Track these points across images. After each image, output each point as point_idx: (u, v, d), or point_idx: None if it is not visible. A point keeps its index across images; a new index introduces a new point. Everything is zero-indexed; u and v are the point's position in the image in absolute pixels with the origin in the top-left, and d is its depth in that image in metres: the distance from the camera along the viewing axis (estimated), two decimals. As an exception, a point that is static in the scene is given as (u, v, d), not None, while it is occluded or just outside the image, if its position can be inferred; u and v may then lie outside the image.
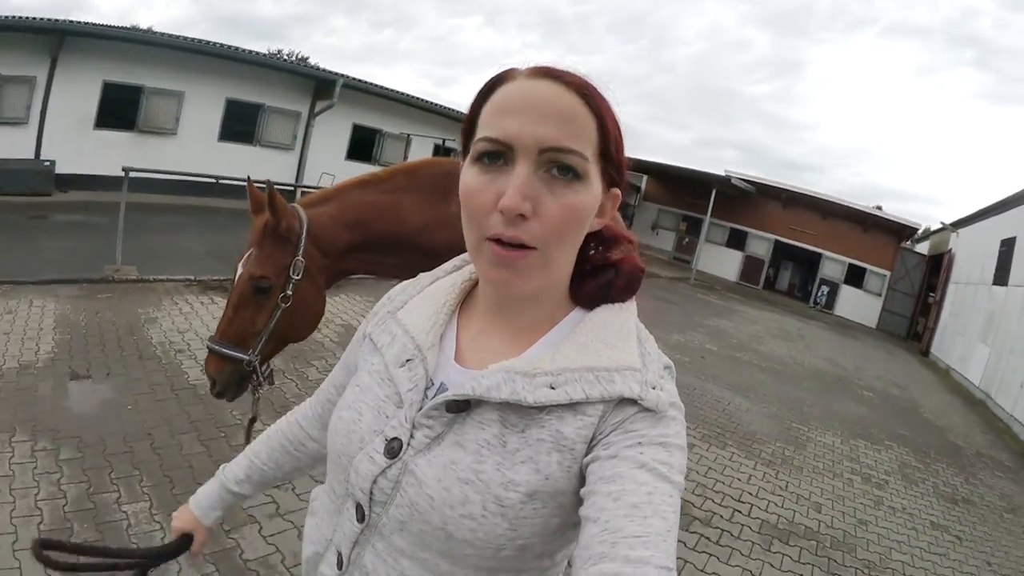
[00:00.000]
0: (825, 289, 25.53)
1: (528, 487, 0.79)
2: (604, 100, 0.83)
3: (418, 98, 20.67)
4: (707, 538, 4.30)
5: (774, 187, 25.64)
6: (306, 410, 1.29)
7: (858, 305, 24.78)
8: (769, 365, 10.96)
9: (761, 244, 27.13)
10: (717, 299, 19.36)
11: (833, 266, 25.53)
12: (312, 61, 64.36)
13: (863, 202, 26.84)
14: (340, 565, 0.93)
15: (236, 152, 16.45)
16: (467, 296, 1.03)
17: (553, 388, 0.80)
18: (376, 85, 19.34)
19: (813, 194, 25.37)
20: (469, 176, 0.82)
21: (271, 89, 17.15)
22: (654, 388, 0.80)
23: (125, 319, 6.35)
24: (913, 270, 24.31)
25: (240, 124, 16.78)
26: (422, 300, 1.02)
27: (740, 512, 4.85)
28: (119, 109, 15.29)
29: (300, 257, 2.57)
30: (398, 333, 0.98)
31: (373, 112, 19.97)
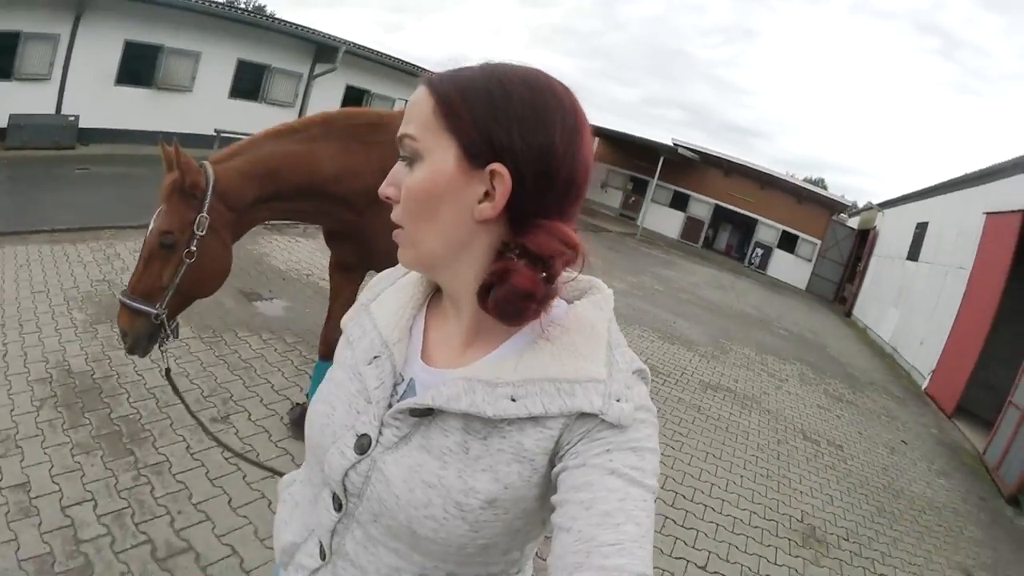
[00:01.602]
0: (759, 251, 27.39)
1: (488, 495, 0.79)
2: (461, 80, 0.80)
3: (407, 63, 22.08)
4: (666, 387, 6.51)
5: (716, 157, 27.47)
6: None
7: (790, 268, 26.67)
8: (705, 305, 13.18)
9: (702, 207, 28.98)
10: (661, 253, 21.37)
11: (768, 231, 27.43)
12: (246, 2, 64.24)
13: (808, 172, 28.59)
14: (323, 555, 0.94)
15: (243, 108, 17.61)
16: (437, 290, 1.01)
17: (514, 400, 0.79)
18: (374, 51, 20.74)
19: (752, 165, 27.32)
20: None
21: (277, 51, 18.33)
22: (618, 400, 0.78)
23: (247, 255, 7.44)
24: (843, 241, 25.97)
25: (248, 83, 17.90)
26: (393, 292, 1.03)
27: (685, 374, 7.21)
28: (139, 67, 16.02)
29: (205, 213, 2.66)
30: (368, 327, 0.99)
31: (365, 74, 21.40)
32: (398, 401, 0.88)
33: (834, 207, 26.78)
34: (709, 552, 3.82)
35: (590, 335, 0.85)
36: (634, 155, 29.65)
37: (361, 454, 0.87)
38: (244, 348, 5.00)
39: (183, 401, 2.59)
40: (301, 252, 8.23)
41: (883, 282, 18.34)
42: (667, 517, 4.06)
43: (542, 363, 0.81)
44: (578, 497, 0.71)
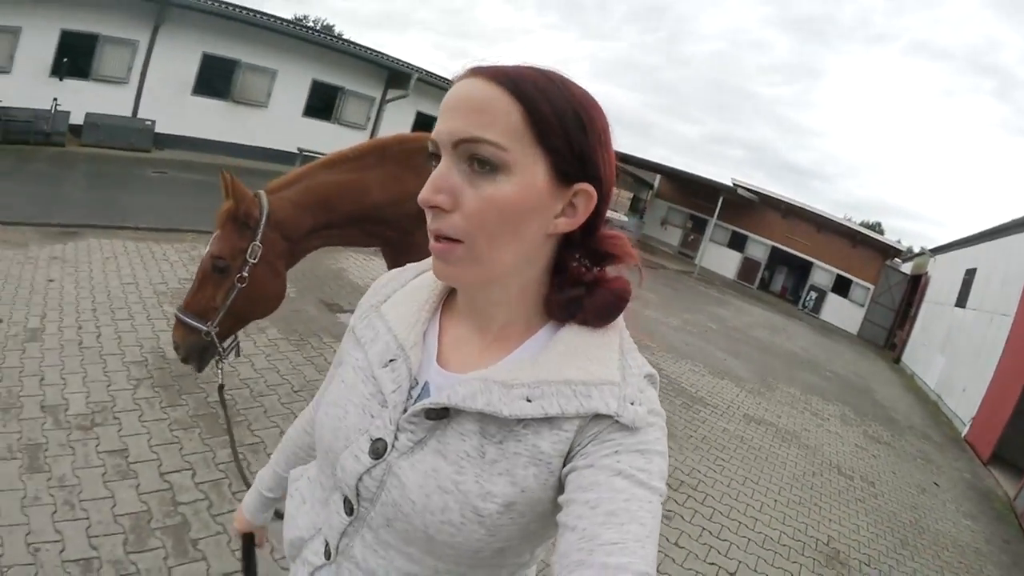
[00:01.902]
0: (813, 295, 27.45)
1: (505, 499, 0.80)
2: (541, 87, 0.79)
3: None
4: (712, 417, 7.09)
5: (775, 198, 27.73)
6: (309, 415, 1.32)
7: (842, 312, 26.64)
8: (755, 344, 13.63)
9: (759, 248, 29.16)
10: (716, 292, 21.75)
11: (823, 274, 27.50)
12: (315, 21, 65.68)
13: (866, 216, 28.23)
14: (328, 555, 0.96)
15: (316, 127, 18.54)
16: (451, 294, 1.02)
17: (530, 401, 0.80)
18: (446, 80, 21.08)
19: (810, 208, 27.45)
20: None
21: (350, 74, 19.22)
22: (632, 403, 0.80)
23: (326, 270, 8.15)
24: (895, 286, 25.90)
25: (321, 103, 18.85)
26: (405, 295, 1.03)
27: (731, 407, 7.80)
28: (216, 79, 16.97)
29: (258, 242, 2.74)
30: (381, 330, 0.98)
31: (436, 102, 21.66)
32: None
33: (888, 252, 26.74)
34: (739, 562, 4.31)
35: (602, 341, 0.87)
36: (694, 194, 30.07)
37: (376, 459, 0.87)
38: (328, 352, 5.57)
39: (227, 419, 2.63)
40: (376, 269, 8.88)
41: (932, 329, 18.33)
42: (704, 528, 4.60)
43: (557, 366, 0.83)
44: (584, 497, 0.72)
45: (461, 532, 0.80)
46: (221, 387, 2.72)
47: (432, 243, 0.81)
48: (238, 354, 2.99)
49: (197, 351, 2.80)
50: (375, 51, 19.48)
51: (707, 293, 20.69)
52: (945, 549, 5.80)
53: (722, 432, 6.80)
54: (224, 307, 2.79)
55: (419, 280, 1.05)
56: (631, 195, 26.69)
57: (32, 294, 5.37)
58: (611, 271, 0.92)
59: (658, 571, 3.85)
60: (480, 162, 0.77)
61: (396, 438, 0.86)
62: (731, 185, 27.07)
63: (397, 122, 20.03)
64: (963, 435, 11.22)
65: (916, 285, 24.08)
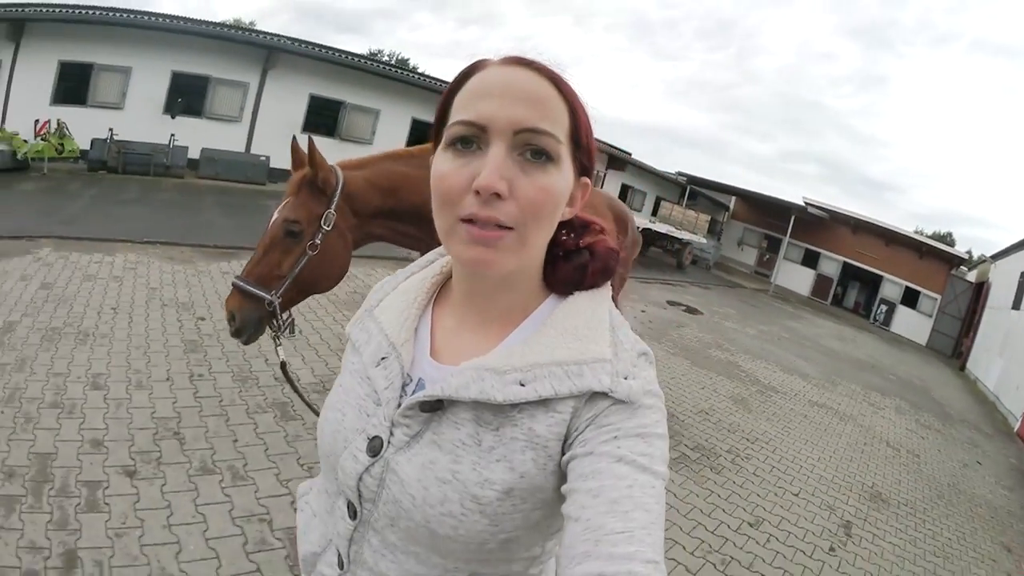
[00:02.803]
0: (883, 307, 28.12)
1: (504, 485, 0.80)
2: (574, 91, 0.85)
3: None
4: (782, 400, 8.59)
5: (844, 215, 28.60)
6: None
7: (911, 324, 27.09)
8: (823, 351, 14.99)
9: (831, 264, 30.06)
10: (791, 308, 22.95)
11: (892, 288, 28.18)
12: (390, 55, 67.87)
13: (938, 226, 28.44)
14: (341, 565, 0.96)
15: None
16: (441, 290, 1.05)
17: (523, 385, 0.81)
18: None
19: (877, 222, 28.22)
20: (442, 161, 0.82)
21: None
22: (626, 378, 0.81)
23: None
24: (961, 295, 26.16)
25: (422, 138, 20.31)
26: (396, 296, 1.05)
27: (798, 395, 9.33)
28: (323, 118, 18.99)
29: (332, 210, 2.73)
30: (374, 331, 1.01)
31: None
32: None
33: (953, 261, 27.26)
34: (801, 488, 5.81)
35: (591, 319, 0.88)
36: (768, 214, 31.20)
37: (373, 456, 0.88)
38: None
39: (299, 393, 2.75)
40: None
41: (992, 334, 18.93)
42: (775, 467, 6.13)
43: (548, 348, 0.84)
44: (586, 486, 0.72)
45: (463, 523, 0.81)
46: (284, 364, 2.77)
47: (476, 230, 0.78)
48: (293, 332, 2.91)
49: (253, 322, 2.73)
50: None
51: (781, 309, 21.88)
52: (979, 507, 6.92)
53: (789, 411, 8.33)
54: (291, 275, 2.75)
55: (409, 281, 1.07)
56: (708, 218, 27.52)
57: (222, 299, 6.68)
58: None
59: (753, 496, 5.43)
60: (536, 152, 0.79)
61: (392, 434, 0.87)
62: (802, 204, 28.11)
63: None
64: (1016, 429, 12.14)
65: (980, 292, 24.63)
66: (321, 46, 19.23)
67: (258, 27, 19.13)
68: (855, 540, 5.03)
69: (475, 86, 0.83)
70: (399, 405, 0.89)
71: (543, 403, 0.82)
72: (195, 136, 17.14)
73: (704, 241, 26.43)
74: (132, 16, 16.31)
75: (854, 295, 31.64)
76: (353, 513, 0.92)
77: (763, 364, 10.93)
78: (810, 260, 30.82)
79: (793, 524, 5.00)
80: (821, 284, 30.50)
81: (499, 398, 0.81)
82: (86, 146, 16.08)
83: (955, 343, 25.48)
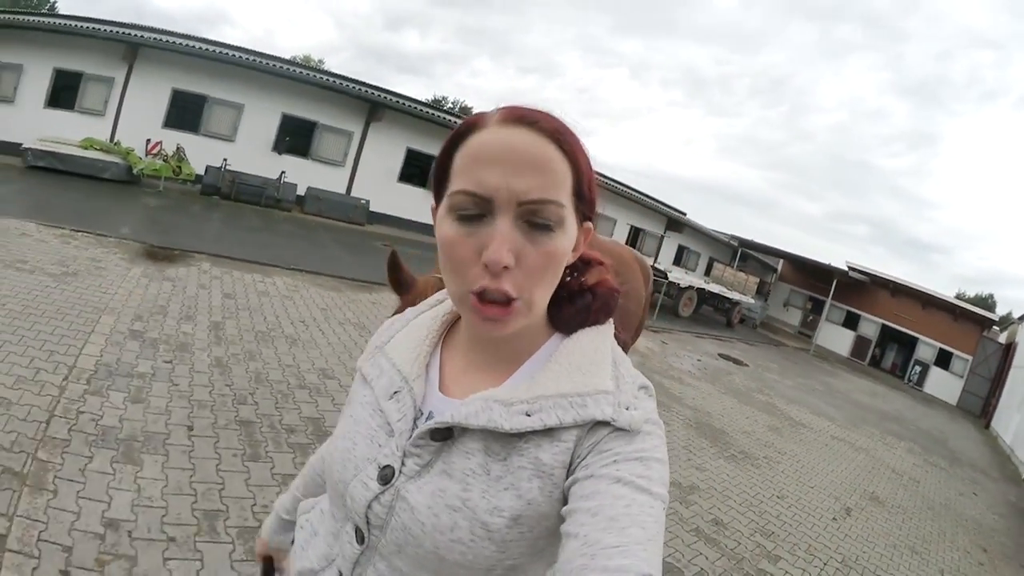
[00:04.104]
0: (918, 368, 29.22)
1: (512, 512, 0.83)
2: (576, 141, 0.86)
3: (635, 190, 27.58)
4: (807, 432, 10.64)
5: (884, 278, 30.10)
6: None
7: (944, 384, 27.97)
8: (852, 403, 16.93)
9: (870, 326, 31.49)
10: (828, 366, 24.64)
11: (927, 349, 29.25)
12: (454, 103, 69.59)
13: (981, 288, 28.95)
14: None
15: None
16: (450, 329, 1.09)
17: (529, 415, 0.84)
18: (608, 179, 25.49)
19: (915, 286, 29.50)
20: (448, 227, 0.83)
21: None
22: (627, 409, 0.84)
23: None
24: (991, 356, 27.08)
25: None
26: (406, 334, 1.08)
27: (821, 432, 11.35)
28: (417, 170, 21.27)
29: None
30: (386, 367, 1.04)
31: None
32: None
33: (984, 323, 28.27)
34: (816, 484, 7.86)
35: (594, 355, 0.92)
36: (812, 277, 32.86)
37: (384, 484, 0.90)
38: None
39: None
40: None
41: (1016, 391, 20.18)
42: (798, 470, 8.21)
43: (553, 382, 0.87)
44: (585, 506, 0.75)
45: (472, 550, 0.83)
46: None
47: (487, 310, 0.82)
48: None
49: None
50: None
51: (819, 366, 23.56)
52: (966, 521, 8.50)
53: (813, 439, 10.45)
54: None
55: (419, 319, 1.11)
56: (757, 279, 28.72)
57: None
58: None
59: (780, 483, 7.85)
60: (541, 219, 0.80)
61: (403, 463, 0.90)
62: (843, 268, 29.79)
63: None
64: (1023, 476, 13.67)
65: (1008, 353, 25.75)
66: (421, 103, 21.60)
67: (359, 78, 21.44)
68: (852, 519, 7.12)
69: (475, 149, 0.83)
70: (411, 436, 0.92)
71: (548, 433, 0.85)
72: (300, 174, 19.35)
73: (752, 301, 27.72)
74: (243, 57, 18.52)
75: (892, 356, 32.56)
76: (360, 538, 0.95)
77: (796, 407, 12.95)
78: (851, 322, 32.15)
79: (807, 502, 7.15)
80: (860, 345, 31.74)
81: (506, 427, 0.84)
82: (199, 170, 18.00)
83: (984, 403, 26.24)
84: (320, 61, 70.95)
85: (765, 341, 25.41)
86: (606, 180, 24.95)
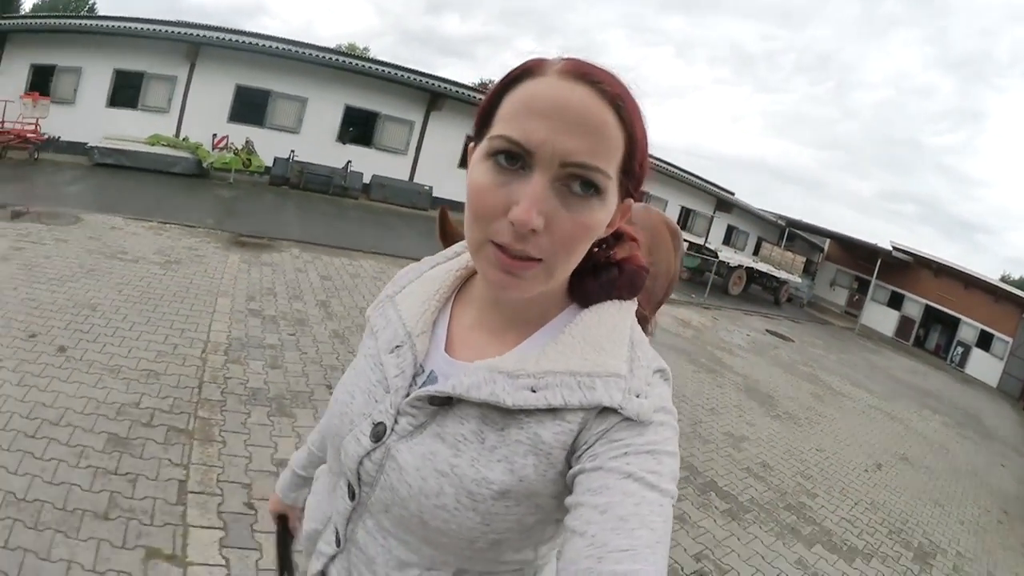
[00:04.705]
0: (960, 349, 29.28)
1: (501, 486, 0.81)
2: (637, 111, 0.79)
3: (694, 175, 28.64)
4: (847, 402, 11.62)
5: (927, 258, 30.30)
6: None
7: (984, 366, 27.76)
8: (892, 378, 17.77)
9: (914, 306, 31.47)
10: (872, 345, 25.35)
11: (968, 330, 29.00)
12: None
13: None
14: (338, 543, 0.99)
15: None
16: (464, 284, 1.04)
17: (534, 391, 0.81)
18: (661, 161, 26.38)
19: (956, 266, 29.56)
20: (480, 172, 0.79)
21: None
22: (638, 396, 0.80)
23: None
24: None
25: None
26: (419, 285, 1.04)
27: (859, 402, 12.31)
28: None
29: None
30: (392, 318, 1.01)
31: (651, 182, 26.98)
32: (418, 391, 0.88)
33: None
34: (852, 443, 8.84)
35: (612, 332, 0.87)
36: (858, 257, 33.09)
37: (376, 442, 0.89)
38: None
39: None
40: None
41: None
42: (834, 430, 9.19)
43: (564, 356, 0.83)
44: (593, 501, 0.72)
45: (455, 518, 0.81)
46: None
47: (505, 259, 0.76)
48: None
49: None
50: None
51: (864, 345, 24.28)
52: (990, 487, 9.32)
53: (851, 407, 11.44)
54: None
55: (434, 271, 1.07)
56: (804, 259, 29.19)
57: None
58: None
59: (819, 439, 9.17)
60: (584, 186, 0.75)
61: (396, 422, 0.88)
62: (887, 248, 30.14)
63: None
64: None
65: None
66: (478, 90, 22.44)
67: (419, 67, 22.45)
68: (882, 472, 8.15)
69: (527, 97, 0.77)
70: (407, 395, 0.90)
71: (552, 411, 0.81)
72: (364, 163, 20.16)
73: (799, 280, 28.20)
74: (305, 52, 19.46)
75: (936, 337, 32.36)
76: (352, 494, 0.94)
77: (837, 379, 13.92)
78: (895, 302, 32.25)
79: (843, 456, 8.21)
80: (904, 325, 31.81)
81: (508, 402, 0.81)
82: (267, 162, 18.73)
83: (1023, 385, 26.19)
84: (366, 49, 71.42)
85: (811, 319, 26.04)
86: (657, 161, 25.66)
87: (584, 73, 0.76)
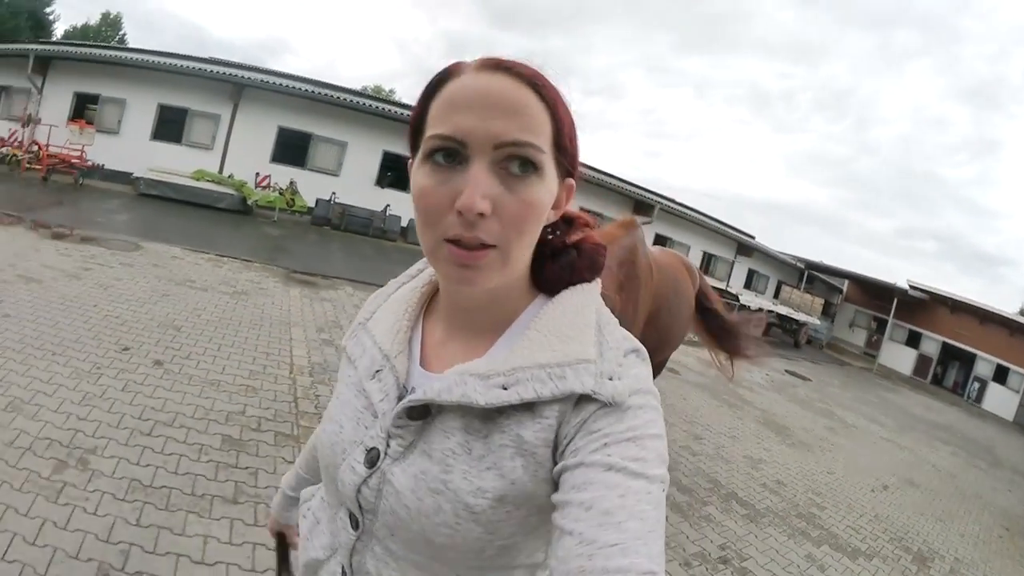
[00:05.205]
0: (976, 385, 29.63)
1: (496, 493, 0.81)
2: (555, 90, 0.83)
3: (715, 219, 29.15)
4: (859, 434, 12.48)
5: (942, 295, 30.83)
6: None
7: (1001, 400, 28.01)
8: (905, 413, 18.41)
9: (931, 344, 31.95)
10: (889, 383, 25.74)
11: (985, 365, 29.39)
12: None
13: None
14: (344, 574, 0.97)
15: None
16: (430, 300, 1.05)
17: (505, 388, 0.81)
18: (688, 208, 27.51)
19: (971, 301, 29.85)
20: (421, 176, 0.81)
21: (599, 200, 24.59)
22: (611, 379, 0.79)
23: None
24: None
25: None
26: (388, 308, 1.06)
27: (871, 433, 13.14)
28: None
29: None
30: (368, 344, 1.01)
31: (675, 227, 28.06)
32: None
33: None
34: (861, 468, 9.63)
35: (576, 318, 0.87)
36: (876, 297, 33.63)
37: (371, 468, 0.89)
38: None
39: None
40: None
41: None
42: (844, 456, 9.98)
43: (531, 351, 0.83)
44: (578, 498, 0.71)
45: (458, 532, 0.81)
46: None
47: (461, 253, 0.78)
48: None
49: None
50: (624, 180, 25.42)
51: (880, 384, 24.73)
52: (993, 507, 9.81)
53: (862, 438, 12.20)
54: None
55: (399, 292, 1.08)
56: (823, 301, 29.87)
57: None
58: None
59: (830, 463, 10.27)
60: (522, 165, 0.78)
61: (388, 445, 0.89)
62: (904, 287, 30.64)
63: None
64: None
65: None
66: None
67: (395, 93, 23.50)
68: (888, 492, 8.95)
69: (451, 94, 0.80)
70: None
71: (529, 408, 0.82)
72: (401, 207, 20.84)
73: (818, 322, 28.76)
74: (345, 98, 20.46)
75: (953, 374, 32.62)
76: (355, 524, 0.93)
77: (852, 414, 14.67)
78: (913, 340, 32.68)
79: (851, 478, 9.03)
80: (922, 364, 32.17)
81: (481, 401, 0.81)
82: (310, 203, 19.68)
83: None
84: (391, 91, 73.95)
85: (830, 360, 26.60)
86: (678, 206, 26.76)
87: (498, 63, 0.81)
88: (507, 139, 0.77)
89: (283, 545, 1.48)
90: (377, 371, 0.96)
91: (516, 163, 0.78)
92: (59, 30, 58.82)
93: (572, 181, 0.89)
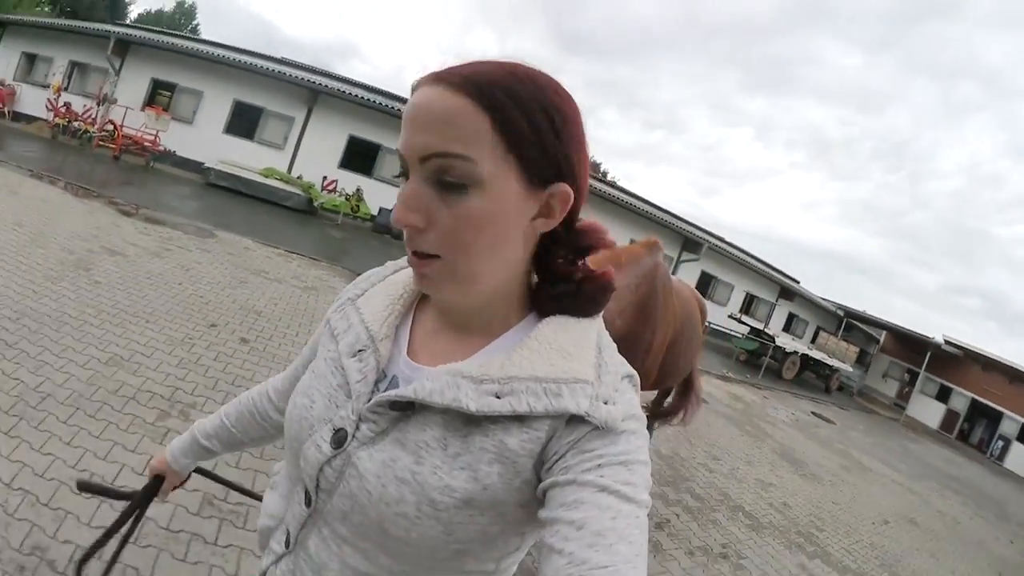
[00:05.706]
0: (1000, 443, 29.50)
1: (464, 494, 0.80)
2: (511, 91, 0.77)
3: (765, 262, 29.92)
4: (876, 478, 13.20)
5: (975, 352, 30.95)
6: (277, 383, 1.32)
7: (1023, 459, 27.80)
8: (922, 463, 18.79)
9: (960, 400, 31.93)
10: (913, 435, 25.81)
11: (1011, 424, 29.00)
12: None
13: None
14: (288, 544, 0.98)
15: None
16: None
17: (498, 397, 0.80)
18: (735, 247, 28.22)
19: (1002, 360, 29.75)
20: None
21: (648, 235, 24.61)
22: (606, 403, 0.79)
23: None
24: None
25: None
26: (382, 288, 1.05)
27: (885, 477, 13.83)
28: None
29: None
30: (354, 321, 1.01)
31: (721, 266, 28.44)
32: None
33: None
34: (869, 506, 10.39)
35: (579, 337, 0.87)
36: (911, 349, 33.82)
37: (336, 448, 0.88)
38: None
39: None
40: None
41: None
42: (854, 493, 10.71)
43: (530, 362, 0.82)
44: (569, 516, 0.71)
45: (416, 527, 0.81)
46: None
47: (412, 259, 0.82)
48: None
49: None
50: (674, 214, 26.04)
51: (904, 434, 24.93)
52: (991, 554, 10.04)
53: (874, 480, 12.84)
54: None
55: (397, 276, 1.07)
56: (858, 349, 30.11)
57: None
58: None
59: (838, 497, 10.90)
60: (452, 176, 0.76)
61: (357, 428, 0.88)
62: (937, 341, 30.94)
63: (685, 279, 24.98)
64: None
65: None
66: None
67: None
68: (888, 527, 9.63)
69: (404, 112, 0.80)
70: (369, 400, 0.89)
71: (519, 418, 0.81)
72: None
73: (851, 369, 29.02)
74: None
75: (979, 432, 32.11)
76: (308, 501, 0.93)
77: (868, 457, 15.26)
78: (943, 395, 32.70)
79: (855, 510, 9.74)
80: (949, 418, 32.10)
81: (472, 408, 0.80)
82: (373, 211, 20.51)
83: None
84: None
85: (858, 408, 26.94)
86: (727, 245, 27.48)
87: (436, 75, 0.79)
88: (428, 152, 0.77)
89: (154, 488, 1.40)
90: (360, 350, 0.96)
91: (445, 175, 0.77)
92: (133, 13, 61.00)
93: (564, 187, 0.83)
